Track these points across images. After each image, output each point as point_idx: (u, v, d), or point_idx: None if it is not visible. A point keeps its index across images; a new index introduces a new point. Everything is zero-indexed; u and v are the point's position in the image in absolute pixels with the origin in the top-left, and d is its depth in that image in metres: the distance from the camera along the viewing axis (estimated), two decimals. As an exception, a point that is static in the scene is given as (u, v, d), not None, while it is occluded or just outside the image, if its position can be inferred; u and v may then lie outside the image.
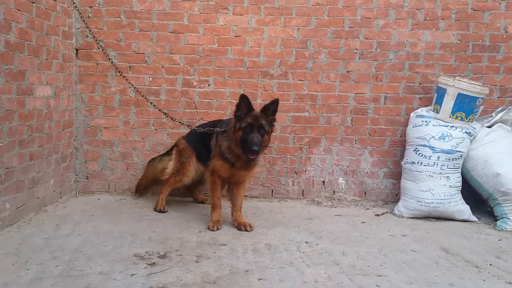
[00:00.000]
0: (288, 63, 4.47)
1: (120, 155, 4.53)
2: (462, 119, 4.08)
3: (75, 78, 4.40)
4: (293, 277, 2.64)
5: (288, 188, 4.62)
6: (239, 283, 2.51)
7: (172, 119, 4.23)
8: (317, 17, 4.41)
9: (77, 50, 4.39)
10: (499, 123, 4.22)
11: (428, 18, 4.42)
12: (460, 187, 4.08)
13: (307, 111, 4.54)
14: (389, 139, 4.57)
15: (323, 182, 4.62)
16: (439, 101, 4.16)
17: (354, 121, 4.56)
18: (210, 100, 4.49)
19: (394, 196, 4.58)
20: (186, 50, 4.43)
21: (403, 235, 3.56)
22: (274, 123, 3.50)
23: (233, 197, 3.69)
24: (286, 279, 2.60)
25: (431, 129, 4.12)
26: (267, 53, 4.46)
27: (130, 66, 4.43)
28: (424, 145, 4.10)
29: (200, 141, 3.88)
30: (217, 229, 3.51)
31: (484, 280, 2.69)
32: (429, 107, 4.33)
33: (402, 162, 4.32)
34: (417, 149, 4.15)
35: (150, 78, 4.45)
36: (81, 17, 4.26)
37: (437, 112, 4.18)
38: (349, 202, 4.50)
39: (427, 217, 4.06)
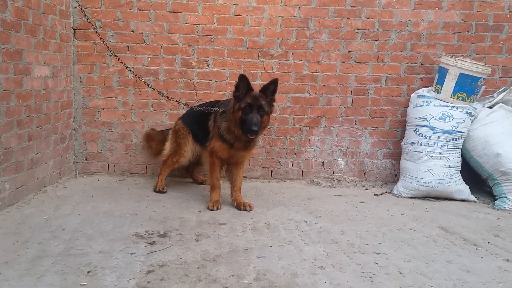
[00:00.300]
0: (289, 43, 4.41)
1: (119, 136, 4.51)
2: (463, 99, 4.06)
3: (73, 58, 4.36)
4: (292, 255, 2.66)
5: (288, 169, 4.62)
6: (239, 261, 2.53)
7: (168, 98, 4.16)
8: (318, -4, 4.34)
9: (74, 29, 4.33)
10: (501, 104, 4.20)
11: (431, -3, 4.35)
12: (460, 167, 4.08)
13: (307, 91, 4.50)
14: (390, 119, 4.55)
15: (323, 163, 4.62)
16: (441, 82, 4.12)
17: (355, 102, 4.53)
18: (209, 81, 4.45)
19: (394, 177, 4.59)
20: (185, 30, 4.37)
21: (402, 215, 3.58)
22: (274, 104, 3.47)
23: (232, 177, 3.69)
24: (285, 256, 2.62)
25: (432, 109, 4.10)
26: (267, 33, 4.39)
27: (128, 46, 4.37)
28: (425, 126, 4.08)
29: (197, 121, 3.86)
30: (217, 209, 3.52)
31: (481, 258, 2.71)
32: (430, 88, 4.29)
33: (402, 143, 4.31)
34: (417, 130, 4.14)
35: (149, 59, 4.40)
36: (77, -5, 4.19)
37: (438, 93, 4.15)
38: (349, 183, 4.51)
39: (426, 197, 4.08)
